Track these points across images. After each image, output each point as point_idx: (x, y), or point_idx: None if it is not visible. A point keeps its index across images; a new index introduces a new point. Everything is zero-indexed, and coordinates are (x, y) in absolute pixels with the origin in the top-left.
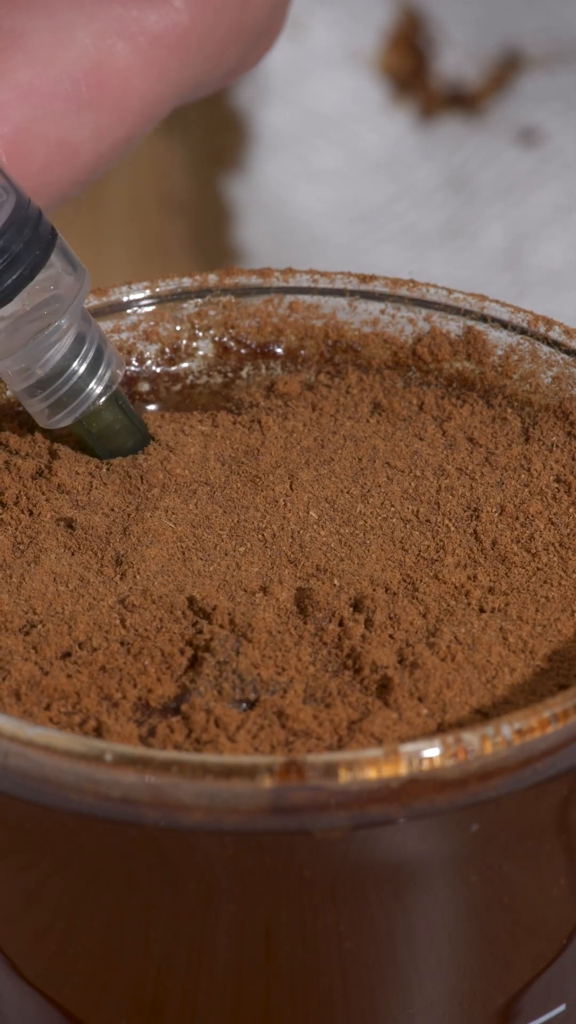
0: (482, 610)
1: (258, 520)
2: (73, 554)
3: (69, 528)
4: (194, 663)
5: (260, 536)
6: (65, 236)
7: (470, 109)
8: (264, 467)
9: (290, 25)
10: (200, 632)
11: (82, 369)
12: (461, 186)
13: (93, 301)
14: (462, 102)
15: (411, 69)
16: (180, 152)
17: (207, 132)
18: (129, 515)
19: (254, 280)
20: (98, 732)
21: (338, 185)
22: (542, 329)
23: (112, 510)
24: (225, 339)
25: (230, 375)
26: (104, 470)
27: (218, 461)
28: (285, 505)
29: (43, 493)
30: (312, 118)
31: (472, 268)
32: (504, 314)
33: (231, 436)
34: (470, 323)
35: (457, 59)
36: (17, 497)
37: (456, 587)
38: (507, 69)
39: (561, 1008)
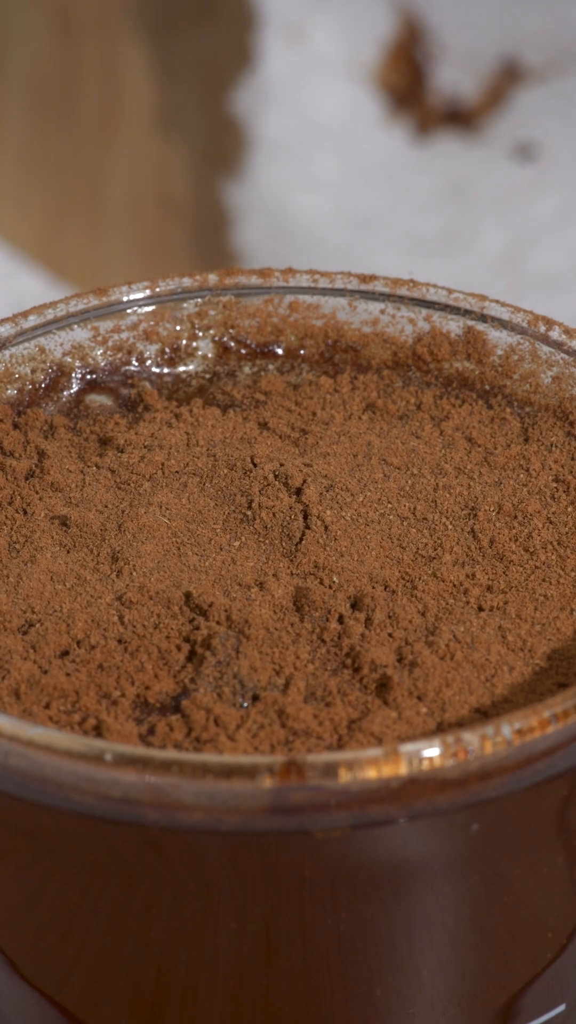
0: (481, 609)
1: (251, 514)
2: (69, 552)
3: (64, 526)
4: (191, 659)
5: (254, 530)
6: (66, 237)
7: (467, 126)
8: (257, 461)
9: (290, 32)
10: (197, 628)
11: None
12: (457, 199)
13: (93, 301)
14: (459, 119)
15: (408, 84)
16: (180, 155)
17: (207, 136)
18: (123, 511)
19: (254, 280)
20: (98, 730)
21: (335, 194)
22: (542, 329)
23: (105, 507)
24: (225, 339)
25: (228, 374)
26: (95, 467)
27: (209, 456)
28: (278, 499)
29: (36, 492)
30: (310, 127)
31: (471, 274)
32: (504, 314)
33: (223, 431)
34: (470, 323)
35: (454, 75)
36: (11, 497)
37: (454, 585)
38: (505, 80)
39: (561, 1008)
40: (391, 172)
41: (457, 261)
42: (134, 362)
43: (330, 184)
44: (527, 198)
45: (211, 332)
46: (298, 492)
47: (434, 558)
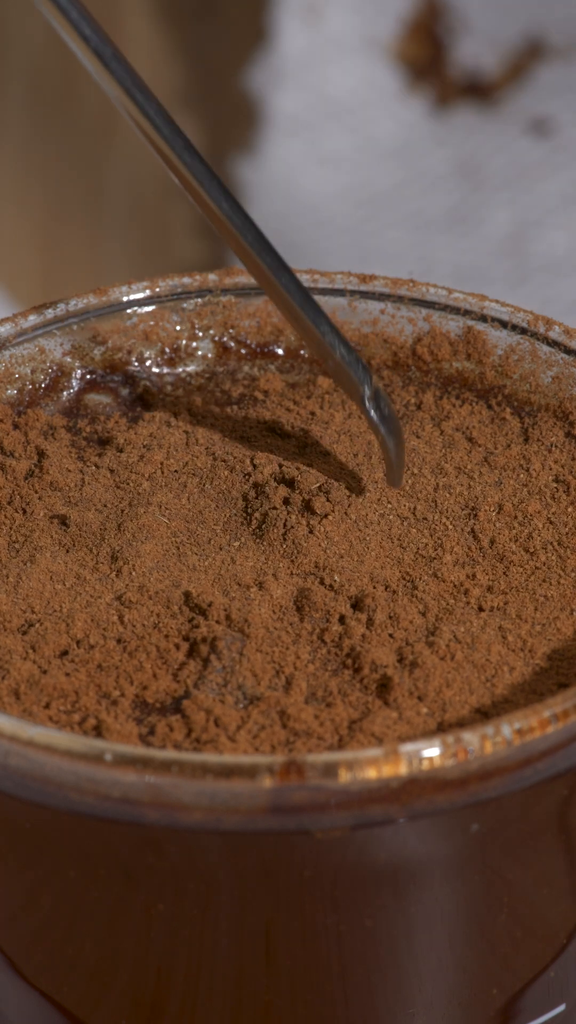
0: (481, 609)
1: (250, 514)
2: (68, 551)
3: (63, 525)
4: (191, 658)
5: (253, 530)
6: (66, 237)
7: (485, 99)
8: (256, 460)
9: (307, 10)
10: (197, 628)
11: None
12: (470, 174)
13: (93, 301)
14: (478, 92)
15: (428, 58)
16: (191, 132)
17: (219, 113)
18: (122, 511)
19: (254, 280)
20: (98, 730)
21: (348, 169)
22: (542, 329)
23: (105, 506)
24: (225, 339)
25: (228, 374)
26: (94, 467)
27: (208, 455)
28: (278, 498)
29: (36, 491)
30: (326, 103)
31: (476, 254)
32: (504, 314)
33: (222, 430)
34: (470, 323)
35: (476, 48)
36: (11, 497)
37: (455, 586)
38: (527, 58)
39: (561, 1008)
40: (405, 148)
41: (463, 241)
42: (134, 362)
43: (342, 161)
44: (538, 176)
45: (211, 332)
46: (298, 491)
47: (434, 558)
